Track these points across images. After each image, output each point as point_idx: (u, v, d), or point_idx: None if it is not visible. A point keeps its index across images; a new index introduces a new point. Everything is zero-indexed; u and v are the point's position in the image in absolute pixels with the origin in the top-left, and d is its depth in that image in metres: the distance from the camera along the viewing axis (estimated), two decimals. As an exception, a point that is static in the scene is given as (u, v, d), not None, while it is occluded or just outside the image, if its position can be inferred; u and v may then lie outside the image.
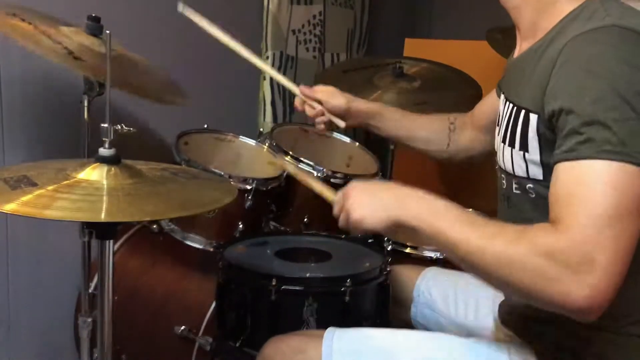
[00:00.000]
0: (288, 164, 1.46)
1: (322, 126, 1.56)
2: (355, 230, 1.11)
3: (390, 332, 1.25)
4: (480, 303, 1.38)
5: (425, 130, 1.56)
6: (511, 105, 1.10)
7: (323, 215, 1.94)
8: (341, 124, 1.54)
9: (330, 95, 1.54)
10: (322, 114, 1.54)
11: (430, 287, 1.46)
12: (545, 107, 0.99)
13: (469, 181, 2.63)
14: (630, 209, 0.89)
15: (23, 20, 1.41)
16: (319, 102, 1.54)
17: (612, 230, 0.88)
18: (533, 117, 1.03)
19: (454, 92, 2.25)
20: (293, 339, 1.26)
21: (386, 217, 1.06)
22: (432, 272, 1.50)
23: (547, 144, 1.01)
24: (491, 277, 0.96)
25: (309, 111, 1.55)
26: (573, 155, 0.92)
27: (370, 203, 1.08)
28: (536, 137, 1.03)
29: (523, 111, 1.06)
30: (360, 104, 1.55)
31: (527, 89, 1.05)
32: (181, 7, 1.49)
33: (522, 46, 1.17)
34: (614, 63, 0.94)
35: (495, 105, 1.29)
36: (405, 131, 1.57)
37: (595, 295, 0.87)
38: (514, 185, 1.11)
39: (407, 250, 1.77)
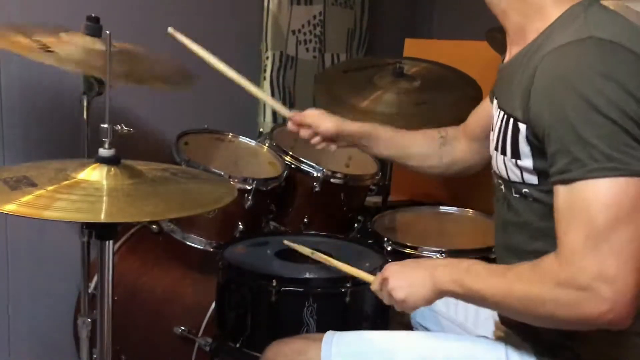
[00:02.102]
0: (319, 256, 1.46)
1: (320, 146, 1.55)
2: (401, 309, 1.18)
3: (389, 333, 1.25)
4: (480, 308, 1.38)
5: (417, 147, 1.54)
6: (502, 112, 1.11)
7: (323, 215, 1.95)
8: (332, 147, 1.55)
9: (319, 120, 1.52)
10: (316, 135, 1.54)
11: None
12: (531, 121, 1.02)
13: (468, 182, 2.62)
14: (625, 218, 0.92)
15: (22, 34, 1.41)
16: (309, 127, 1.53)
17: (612, 240, 0.92)
18: (522, 127, 1.04)
19: (454, 92, 2.25)
20: (295, 342, 1.27)
21: (425, 293, 1.12)
22: None
23: (538, 151, 1.03)
24: (523, 316, 1.04)
25: (302, 134, 1.55)
26: (564, 177, 0.96)
27: (408, 285, 1.14)
28: (527, 145, 1.04)
29: (512, 120, 1.06)
30: (350, 126, 1.53)
31: (515, 99, 1.06)
32: (171, 30, 1.49)
33: (512, 51, 1.17)
34: (588, 76, 0.95)
35: (488, 112, 1.29)
36: (397, 150, 1.55)
37: (616, 305, 0.92)
38: (513, 190, 1.11)
39: (407, 250, 1.77)
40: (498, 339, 1.28)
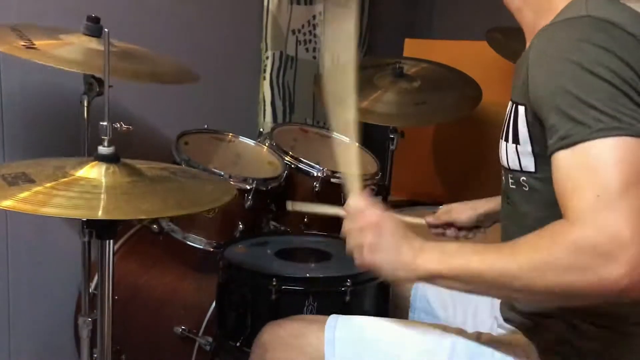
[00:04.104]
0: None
1: (472, 234, 1.49)
2: (369, 269, 1.06)
3: (394, 321, 1.24)
4: (479, 309, 1.38)
5: None
6: (511, 102, 1.10)
7: (323, 215, 1.95)
8: (481, 231, 1.49)
9: (455, 214, 1.47)
10: (461, 230, 1.48)
11: (427, 292, 1.45)
12: (530, 98, 0.99)
13: (468, 182, 2.63)
14: (636, 178, 0.86)
15: (21, 37, 1.41)
16: (450, 224, 1.49)
17: (626, 201, 0.85)
18: (521, 109, 1.03)
19: (454, 92, 2.25)
20: (291, 324, 1.24)
21: (404, 277, 1.02)
22: None
23: (537, 134, 1.01)
24: (528, 292, 0.92)
25: (449, 234, 1.49)
26: (568, 141, 0.91)
27: (387, 255, 1.03)
28: (526, 128, 1.03)
29: (515, 105, 1.06)
30: (484, 205, 1.46)
31: (518, 86, 1.05)
32: (290, 206, 1.45)
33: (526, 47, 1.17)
34: (583, 47, 0.93)
35: None
36: None
37: (630, 270, 0.83)
38: (510, 180, 1.11)
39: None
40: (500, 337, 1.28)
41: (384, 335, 1.19)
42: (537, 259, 0.89)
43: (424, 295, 1.45)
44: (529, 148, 1.04)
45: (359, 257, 1.05)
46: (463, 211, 1.47)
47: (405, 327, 1.21)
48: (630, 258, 0.83)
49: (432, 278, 0.99)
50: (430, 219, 1.52)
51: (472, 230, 1.48)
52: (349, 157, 1.20)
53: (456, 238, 1.48)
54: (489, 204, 1.46)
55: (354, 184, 1.14)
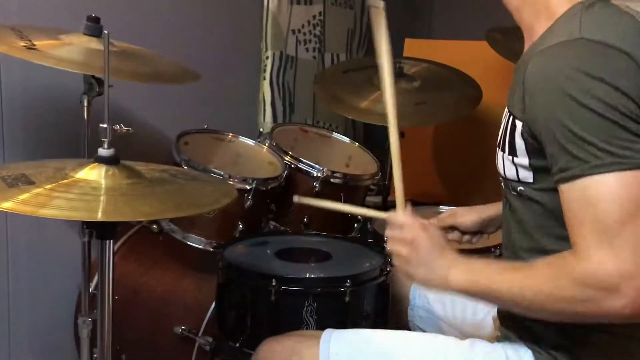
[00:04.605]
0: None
1: (475, 239, 1.50)
2: (401, 273, 1.17)
3: (388, 333, 1.25)
4: (478, 309, 1.38)
5: None
6: (507, 110, 1.11)
7: (323, 215, 1.95)
8: (485, 236, 1.50)
9: (459, 218, 1.48)
10: (464, 234, 1.49)
11: (426, 291, 1.46)
12: (527, 121, 1.01)
13: (468, 182, 2.63)
14: (635, 211, 0.91)
15: (21, 38, 1.41)
16: (453, 227, 1.49)
17: (625, 234, 0.91)
18: (519, 124, 1.04)
19: (454, 92, 2.25)
20: (288, 340, 1.26)
21: (439, 286, 1.11)
22: None
23: (533, 149, 1.03)
24: (542, 314, 1.03)
25: (451, 237, 1.49)
26: (567, 175, 0.95)
27: (421, 270, 1.12)
28: (522, 142, 1.04)
29: (511, 117, 1.06)
30: (489, 210, 1.47)
31: (515, 97, 1.06)
32: (297, 199, 1.47)
33: (525, 48, 1.17)
34: (574, 77, 0.94)
35: None
36: None
37: (632, 300, 0.91)
38: (510, 188, 1.11)
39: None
40: (496, 340, 1.28)
41: (378, 347, 1.20)
42: (547, 289, 0.98)
43: (423, 293, 1.45)
44: (526, 162, 1.05)
45: (397, 264, 1.16)
46: (468, 215, 1.48)
47: (399, 338, 1.22)
48: (632, 290, 0.90)
49: (460, 293, 1.09)
50: (434, 221, 1.52)
51: (475, 235, 1.48)
52: (397, 174, 1.29)
53: (458, 242, 1.48)
54: (493, 209, 1.45)
55: (400, 199, 1.24)
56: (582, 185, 0.93)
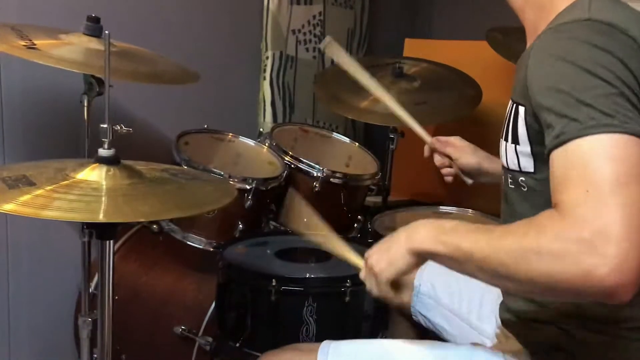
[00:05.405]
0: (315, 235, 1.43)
1: (448, 178, 1.50)
2: (383, 286, 1.10)
3: (385, 342, 1.24)
4: (484, 302, 1.38)
5: None
6: (511, 101, 1.11)
7: (323, 215, 1.95)
8: (468, 181, 1.49)
9: (461, 152, 1.48)
10: (450, 166, 1.50)
11: (433, 278, 1.43)
12: (530, 98, 0.99)
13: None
14: (629, 175, 0.85)
15: (21, 38, 1.41)
16: (449, 156, 1.50)
17: (617, 197, 0.83)
18: (521, 109, 1.03)
19: (454, 92, 2.25)
20: (286, 353, 1.25)
21: (403, 253, 1.04)
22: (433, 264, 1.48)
23: (536, 135, 1.01)
24: (513, 278, 0.91)
25: (436, 161, 1.51)
26: (562, 139, 0.90)
27: (386, 251, 1.08)
28: (525, 129, 1.03)
29: (515, 105, 1.06)
30: (494, 163, 1.45)
31: (518, 86, 1.05)
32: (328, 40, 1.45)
33: (527, 46, 1.17)
34: (583, 47, 0.92)
35: None
36: None
37: (621, 268, 0.81)
38: (509, 180, 1.11)
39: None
40: (498, 340, 1.28)
41: (377, 357, 1.19)
42: (523, 245, 0.88)
43: (429, 279, 1.44)
44: (528, 149, 1.04)
45: (370, 283, 1.11)
46: (469, 155, 1.49)
47: (396, 347, 1.21)
48: (619, 255, 0.81)
49: (428, 255, 1.01)
50: (438, 143, 1.53)
51: (467, 175, 1.49)
52: (336, 245, 1.29)
53: (440, 167, 1.50)
54: (493, 165, 1.47)
55: (353, 260, 1.24)
56: (575, 146, 0.88)
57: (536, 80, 0.97)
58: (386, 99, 1.57)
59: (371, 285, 1.12)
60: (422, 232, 1.02)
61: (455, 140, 1.53)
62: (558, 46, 0.96)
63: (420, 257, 1.03)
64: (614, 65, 0.90)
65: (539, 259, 0.86)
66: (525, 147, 1.04)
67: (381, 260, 1.08)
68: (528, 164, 1.05)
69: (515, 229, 0.91)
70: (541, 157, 1.00)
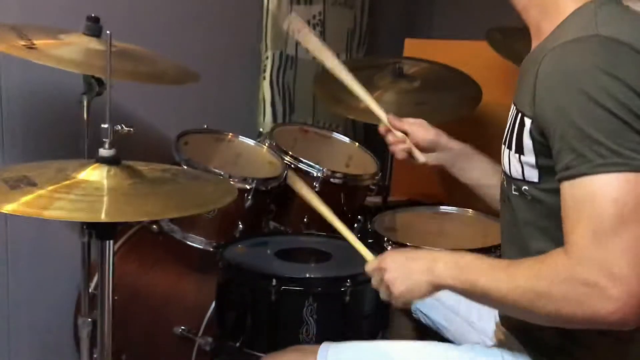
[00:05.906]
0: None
1: (401, 155, 1.50)
2: (398, 303, 1.16)
3: (384, 344, 1.25)
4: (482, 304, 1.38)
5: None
6: (514, 107, 1.10)
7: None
8: (421, 158, 1.48)
9: (418, 127, 1.48)
10: (403, 142, 1.48)
11: None
12: (536, 117, 1.01)
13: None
14: (634, 215, 0.89)
15: (21, 37, 1.41)
16: (405, 133, 1.49)
17: (620, 237, 0.89)
18: (527, 122, 1.03)
19: (454, 92, 2.25)
20: (286, 355, 1.26)
21: (424, 288, 1.10)
22: None
23: (541, 148, 1.02)
24: (528, 313, 1.00)
25: (390, 139, 1.50)
26: (569, 173, 0.94)
27: (406, 277, 1.12)
28: (530, 140, 1.03)
29: (520, 114, 1.06)
30: (452, 142, 1.47)
31: (524, 94, 1.05)
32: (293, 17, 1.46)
33: (532, 47, 1.16)
34: (592, 74, 0.93)
35: None
36: (489, 179, 1.43)
37: (625, 306, 0.89)
38: (513, 187, 1.11)
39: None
40: (498, 340, 1.28)
41: (377, 358, 1.20)
42: (537, 288, 0.96)
43: None
44: (533, 160, 1.04)
45: (385, 292, 1.16)
46: (427, 130, 1.47)
47: (396, 349, 1.22)
48: (623, 295, 0.89)
49: (446, 289, 1.08)
50: (395, 121, 1.50)
51: (426, 152, 1.47)
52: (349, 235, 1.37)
53: (393, 145, 1.49)
54: (454, 142, 1.47)
55: (361, 250, 1.33)
56: (583, 183, 0.92)
57: (546, 104, 0.99)
58: (344, 76, 1.57)
59: (384, 296, 1.17)
60: (440, 267, 1.08)
61: (411, 119, 1.51)
62: (567, 70, 0.97)
63: (438, 289, 1.09)
64: (623, 94, 0.92)
65: (550, 301, 0.94)
66: (530, 157, 1.04)
67: (401, 285, 1.12)
68: (532, 174, 1.05)
69: (529, 270, 0.98)
70: (546, 169, 1.02)
